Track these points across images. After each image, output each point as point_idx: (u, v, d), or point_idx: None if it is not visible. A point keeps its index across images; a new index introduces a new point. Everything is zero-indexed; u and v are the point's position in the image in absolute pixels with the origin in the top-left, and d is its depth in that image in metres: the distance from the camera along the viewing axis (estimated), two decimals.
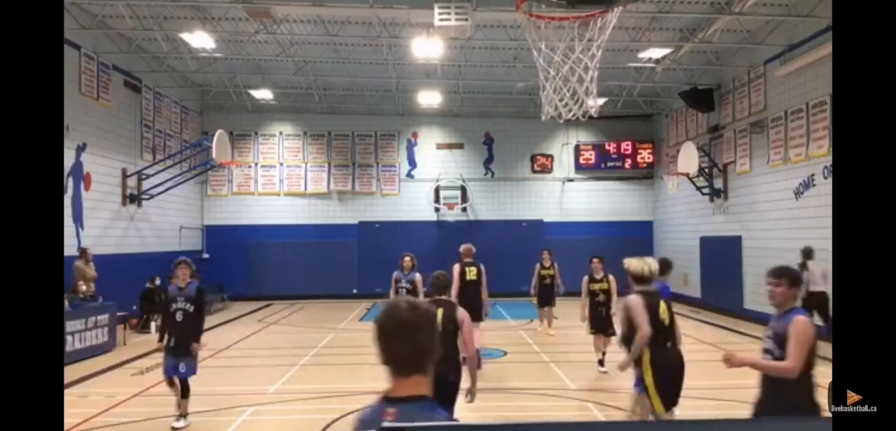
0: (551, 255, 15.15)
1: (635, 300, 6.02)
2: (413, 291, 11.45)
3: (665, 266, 7.30)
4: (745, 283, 17.58)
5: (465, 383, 6.37)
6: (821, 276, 12.93)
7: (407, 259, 11.95)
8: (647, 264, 6.21)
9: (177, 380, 8.00)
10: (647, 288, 6.17)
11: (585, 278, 11.57)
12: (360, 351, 12.22)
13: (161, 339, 8.14)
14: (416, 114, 23.95)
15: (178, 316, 7.96)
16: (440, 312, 6.47)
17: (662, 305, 6.11)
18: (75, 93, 14.99)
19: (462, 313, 6.50)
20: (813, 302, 12.59)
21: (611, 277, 11.17)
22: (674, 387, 6.05)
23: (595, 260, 11.58)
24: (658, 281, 6.78)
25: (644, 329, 5.90)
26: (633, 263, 6.24)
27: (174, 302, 8.00)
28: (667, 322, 6.09)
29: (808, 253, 13.52)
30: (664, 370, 5.98)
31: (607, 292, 11.22)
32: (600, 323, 11.20)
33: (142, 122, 18.63)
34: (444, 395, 6.34)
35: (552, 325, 15.16)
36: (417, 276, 11.63)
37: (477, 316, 11.66)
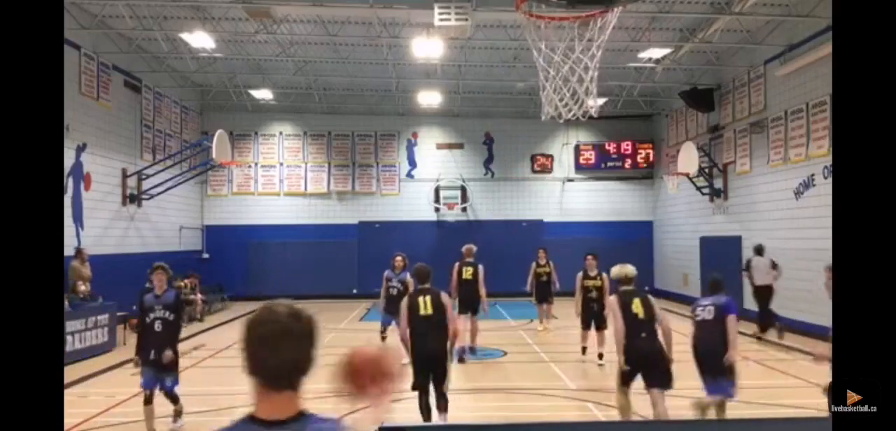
0: (547, 253, 15.33)
1: (612, 300, 7.22)
2: (404, 291, 11.40)
3: (715, 285, 7.57)
4: (745, 284, 17.55)
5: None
6: (767, 272, 14.22)
7: (398, 258, 12.01)
8: (625, 269, 7.26)
9: (162, 393, 7.62)
10: (625, 288, 7.16)
11: (580, 274, 12.05)
12: None
13: (138, 351, 7.55)
14: (416, 114, 23.94)
15: (157, 326, 7.45)
16: (429, 298, 7.50)
17: (636, 301, 7.01)
18: (75, 93, 14.98)
19: (445, 296, 7.60)
20: (760, 295, 14.28)
21: (604, 275, 11.44)
22: (642, 371, 6.93)
23: (589, 257, 12.05)
24: (719, 296, 7.40)
25: (617, 324, 7.01)
26: (614, 269, 7.42)
27: (152, 310, 7.48)
28: (640, 315, 6.96)
29: (758, 251, 14.74)
30: (633, 355, 6.90)
31: (600, 289, 11.65)
32: (594, 319, 11.70)
33: (142, 122, 18.63)
34: (439, 366, 7.43)
35: (550, 321, 15.36)
36: (408, 276, 11.50)
37: (474, 310, 12.49)
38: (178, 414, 7.86)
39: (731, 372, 7.12)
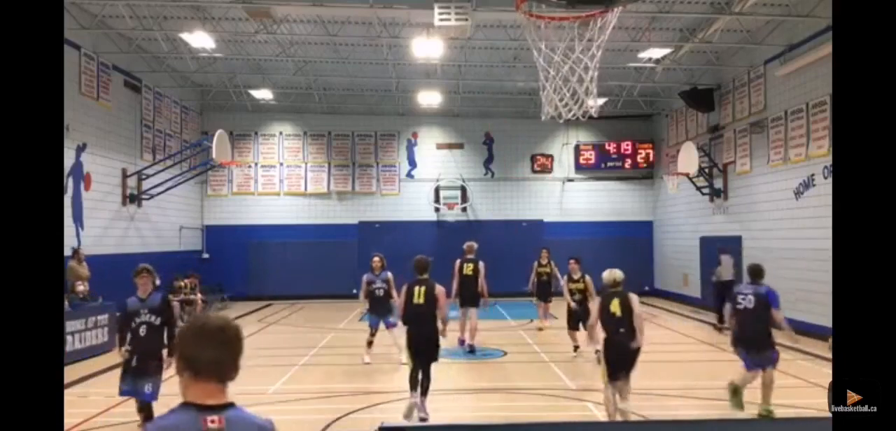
0: (549, 254, 15.44)
1: (597, 300, 8.37)
2: (388, 290, 11.69)
3: (757, 271, 8.57)
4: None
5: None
6: (730, 270, 15.82)
7: (376, 259, 11.99)
8: (613, 274, 8.00)
9: (139, 403, 7.20)
10: (611, 290, 7.89)
11: (565, 277, 12.75)
12: (360, 351, 12.23)
13: (120, 350, 7.23)
14: (416, 114, 23.94)
15: (142, 331, 7.11)
16: (423, 289, 8.50)
17: (615, 301, 7.75)
18: (75, 93, 14.98)
19: (439, 288, 8.57)
20: (722, 290, 15.27)
21: (587, 277, 12.05)
22: (618, 364, 7.70)
23: (572, 261, 12.57)
24: (759, 285, 8.40)
25: (592, 319, 8.23)
26: (604, 273, 8.14)
27: (137, 315, 7.13)
28: (618, 314, 7.72)
29: (723, 250, 16.40)
30: (611, 349, 7.77)
31: (583, 291, 12.17)
32: (580, 319, 12.10)
33: (142, 122, 18.62)
34: (429, 348, 8.43)
35: (549, 320, 15.61)
36: (389, 274, 11.80)
37: (474, 303, 12.94)
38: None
39: (773, 345, 8.28)
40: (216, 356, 2.20)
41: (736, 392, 8.34)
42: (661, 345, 13.80)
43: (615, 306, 7.77)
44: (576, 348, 12.45)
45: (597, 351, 11.80)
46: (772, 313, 8.18)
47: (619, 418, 7.83)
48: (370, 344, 11.88)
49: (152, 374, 7.12)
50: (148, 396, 7.15)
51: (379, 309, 11.77)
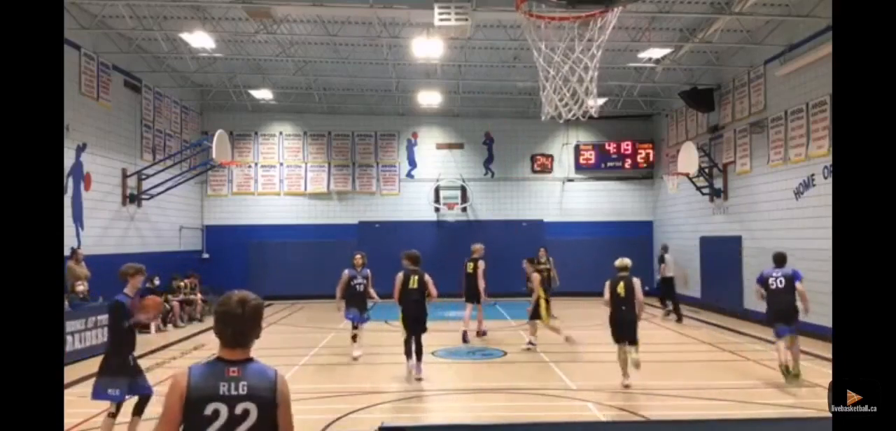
0: (547, 252, 15.60)
1: (608, 283, 10.01)
2: (367, 286, 12.46)
3: (781, 258, 10.18)
4: (745, 283, 17.56)
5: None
6: (674, 266, 18.20)
7: (358, 257, 12.72)
8: (623, 261, 10.04)
9: (138, 399, 7.22)
10: (620, 275, 9.89)
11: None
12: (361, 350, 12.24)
13: (118, 362, 7.18)
14: (416, 114, 23.94)
15: (136, 330, 7.24)
16: (416, 278, 10.46)
17: (621, 284, 9.81)
18: (75, 93, 14.98)
19: (428, 277, 10.46)
20: (667, 284, 18.14)
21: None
22: (621, 331, 9.85)
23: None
24: (786, 268, 10.07)
25: (605, 298, 10.04)
26: (616, 261, 10.09)
27: (131, 316, 7.13)
28: (622, 294, 9.79)
29: (665, 249, 18.72)
30: (615, 322, 9.91)
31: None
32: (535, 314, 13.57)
33: (142, 122, 18.62)
34: (420, 325, 10.46)
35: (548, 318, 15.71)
36: (368, 272, 12.62)
37: (476, 299, 14.38)
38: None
39: (797, 317, 9.90)
40: (235, 331, 2.97)
41: (787, 371, 9.89)
42: (662, 345, 13.80)
43: (621, 288, 9.79)
44: (530, 342, 13.38)
45: (567, 338, 13.19)
46: (797, 287, 9.87)
47: (631, 367, 9.73)
48: (354, 338, 12.37)
49: (142, 370, 7.34)
50: (149, 389, 7.30)
51: (357, 304, 12.33)
